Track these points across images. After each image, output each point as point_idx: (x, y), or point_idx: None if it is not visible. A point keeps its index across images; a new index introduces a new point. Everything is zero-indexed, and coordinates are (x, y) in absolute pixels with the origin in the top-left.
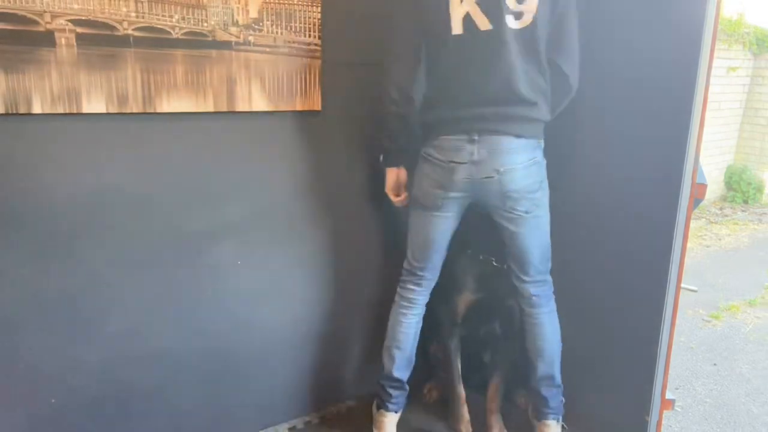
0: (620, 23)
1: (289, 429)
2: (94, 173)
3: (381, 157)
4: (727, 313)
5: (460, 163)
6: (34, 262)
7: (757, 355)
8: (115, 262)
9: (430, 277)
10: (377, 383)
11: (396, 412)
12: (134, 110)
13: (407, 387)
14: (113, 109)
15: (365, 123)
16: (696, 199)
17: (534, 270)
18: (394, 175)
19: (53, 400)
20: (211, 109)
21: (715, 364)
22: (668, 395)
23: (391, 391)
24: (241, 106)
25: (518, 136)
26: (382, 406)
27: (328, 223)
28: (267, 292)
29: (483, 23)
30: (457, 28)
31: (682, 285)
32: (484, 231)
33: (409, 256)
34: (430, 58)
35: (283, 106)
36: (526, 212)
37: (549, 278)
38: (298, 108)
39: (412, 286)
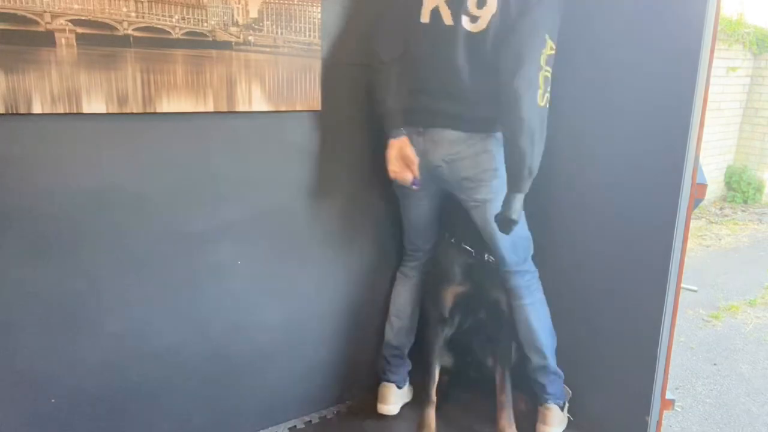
0: (620, 23)
1: (289, 429)
2: (94, 173)
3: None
4: (727, 313)
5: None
6: (33, 261)
7: (757, 355)
8: (114, 262)
9: (421, 256)
10: (381, 356)
11: (397, 384)
12: (134, 110)
13: (408, 360)
14: (113, 109)
15: (365, 123)
16: (696, 199)
17: (508, 260)
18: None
19: (53, 400)
20: (211, 109)
21: (715, 364)
22: (668, 395)
23: (390, 359)
24: (241, 106)
25: (458, 129)
26: (383, 377)
27: (328, 223)
28: (267, 292)
29: (447, 18)
30: (425, 17)
31: (682, 285)
32: (466, 221)
33: (404, 237)
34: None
35: (283, 106)
36: (485, 200)
37: (530, 268)
38: (298, 108)
39: (408, 262)
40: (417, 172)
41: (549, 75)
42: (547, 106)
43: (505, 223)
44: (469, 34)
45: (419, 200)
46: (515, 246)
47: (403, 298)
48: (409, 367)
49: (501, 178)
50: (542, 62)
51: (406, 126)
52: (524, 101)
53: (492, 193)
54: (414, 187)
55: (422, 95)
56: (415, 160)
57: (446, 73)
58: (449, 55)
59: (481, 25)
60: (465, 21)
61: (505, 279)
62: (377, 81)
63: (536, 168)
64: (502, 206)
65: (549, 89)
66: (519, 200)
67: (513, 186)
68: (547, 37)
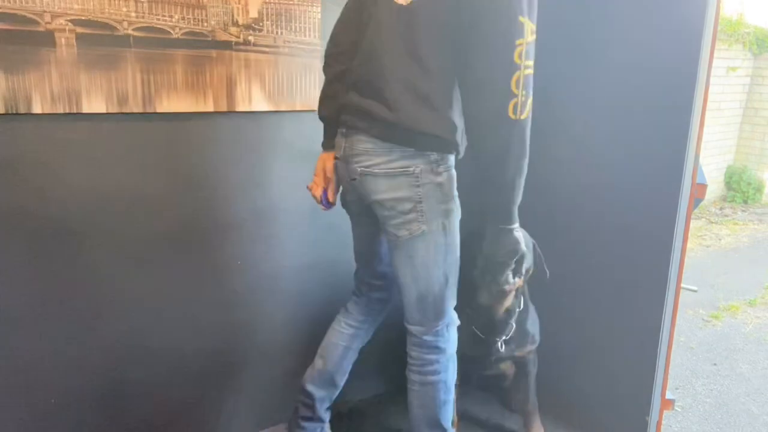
0: (620, 23)
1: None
2: (94, 173)
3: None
4: (727, 313)
5: (338, 159)
6: (34, 261)
7: (757, 355)
8: (114, 261)
9: (366, 291)
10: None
11: None
12: (134, 110)
13: (321, 416)
14: (113, 109)
15: None
16: (696, 199)
17: (411, 316)
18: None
19: (53, 400)
20: (211, 109)
21: (715, 364)
22: (668, 395)
23: (300, 407)
24: (241, 106)
25: (376, 137)
26: (288, 426)
27: (329, 223)
28: (267, 291)
29: None
30: None
31: (682, 285)
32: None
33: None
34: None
35: (283, 106)
36: (397, 237)
37: (438, 342)
38: (298, 108)
39: (352, 301)
40: (332, 192)
41: (530, 72)
42: (527, 117)
43: (489, 264)
44: (399, 8)
45: (363, 219)
46: (422, 301)
47: (335, 337)
48: (322, 427)
49: (421, 214)
50: (517, 57)
51: (340, 125)
52: (483, 116)
53: (407, 231)
54: (321, 206)
55: (353, 90)
56: (330, 177)
57: (372, 62)
58: (376, 38)
59: None
60: None
61: (407, 339)
62: (325, 77)
63: (512, 192)
64: (483, 242)
65: (530, 93)
66: (501, 234)
67: (489, 216)
68: (521, 19)
